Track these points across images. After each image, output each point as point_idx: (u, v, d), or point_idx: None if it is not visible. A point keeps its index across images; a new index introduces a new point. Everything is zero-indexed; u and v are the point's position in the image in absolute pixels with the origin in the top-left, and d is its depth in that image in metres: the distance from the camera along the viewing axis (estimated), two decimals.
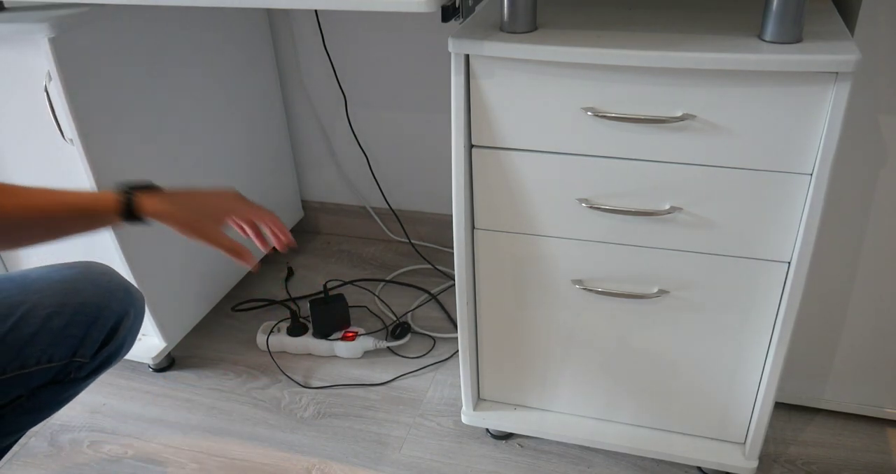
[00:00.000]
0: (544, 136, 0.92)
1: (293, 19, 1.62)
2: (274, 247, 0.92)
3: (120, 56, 1.19)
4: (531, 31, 0.89)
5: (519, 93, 0.90)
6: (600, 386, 1.13)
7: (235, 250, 0.86)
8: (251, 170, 1.60)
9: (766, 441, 1.13)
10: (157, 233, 1.34)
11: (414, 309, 1.58)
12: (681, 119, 0.85)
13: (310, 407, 1.34)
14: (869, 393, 1.19)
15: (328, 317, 1.45)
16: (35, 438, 1.30)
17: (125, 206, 0.83)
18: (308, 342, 1.46)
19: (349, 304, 1.48)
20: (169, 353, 1.43)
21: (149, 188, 0.86)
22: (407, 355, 1.45)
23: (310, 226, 1.88)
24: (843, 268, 1.08)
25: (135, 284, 1.30)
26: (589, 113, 0.88)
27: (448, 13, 0.87)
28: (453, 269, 1.07)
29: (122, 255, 1.26)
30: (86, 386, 0.97)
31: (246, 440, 1.28)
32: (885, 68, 0.92)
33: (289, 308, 1.57)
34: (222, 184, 1.51)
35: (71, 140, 1.14)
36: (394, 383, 1.39)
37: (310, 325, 1.48)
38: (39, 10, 1.10)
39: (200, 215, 0.86)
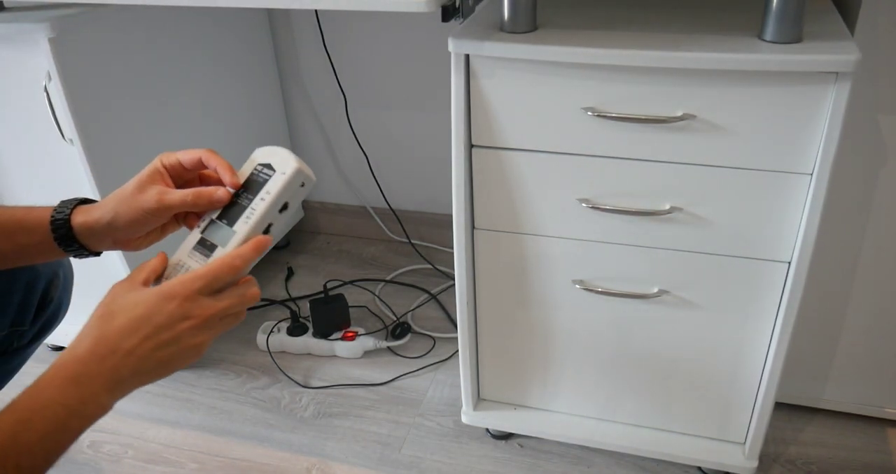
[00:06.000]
0: (544, 136, 0.92)
1: (293, 19, 1.62)
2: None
3: (120, 56, 1.20)
4: (531, 31, 0.89)
5: (519, 93, 0.90)
6: (600, 386, 1.13)
7: (201, 194, 0.68)
8: None
9: (766, 441, 1.13)
10: None
11: (414, 309, 1.58)
12: (681, 119, 0.85)
13: (310, 407, 1.34)
14: (869, 392, 1.19)
15: (328, 317, 1.45)
16: None
17: (57, 219, 0.71)
18: (308, 342, 1.46)
19: (349, 304, 1.48)
20: None
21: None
22: (407, 355, 1.45)
23: (310, 226, 1.88)
24: (843, 267, 1.08)
25: None
26: (589, 113, 0.88)
27: (448, 13, 0.87)
28: (453, 269, 1.07)
29: (120, 253, 1.26)
30: (31, 353, 0.97)
31: (246, 440, 1.28)
32: (885, 68, 0.92)
33: (289, 308, 1.57)
34: None
35: (71, 140, 1.14)
36: (394, 383, 1.39)
37: (310, 325, 1.48)
38: (39, 10, 1.10)
39: (138, 188, 0.70)
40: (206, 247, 0.68)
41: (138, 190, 0.69)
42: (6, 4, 1.12)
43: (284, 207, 0.69)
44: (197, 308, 0.62)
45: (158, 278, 0.68)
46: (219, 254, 0.67)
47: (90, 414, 0.60)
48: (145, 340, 0.60)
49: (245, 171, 0.70)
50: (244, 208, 0.68)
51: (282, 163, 0.69)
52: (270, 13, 1.62)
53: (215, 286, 0.63)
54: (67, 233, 0.71)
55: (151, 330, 0.60)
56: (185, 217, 0.73)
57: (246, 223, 0.67)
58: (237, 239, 0.67)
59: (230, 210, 0.69)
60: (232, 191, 0.69)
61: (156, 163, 0.71)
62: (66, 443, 0.59)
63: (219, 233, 0.68)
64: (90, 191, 1.19)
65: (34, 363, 1.45)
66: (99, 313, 0.62)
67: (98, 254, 0.75)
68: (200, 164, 0.71)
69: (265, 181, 0.68)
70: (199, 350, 0.63)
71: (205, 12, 1.39)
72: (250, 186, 0.69)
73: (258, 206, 0.67)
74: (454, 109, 0.92)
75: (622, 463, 1.19)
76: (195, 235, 0.69)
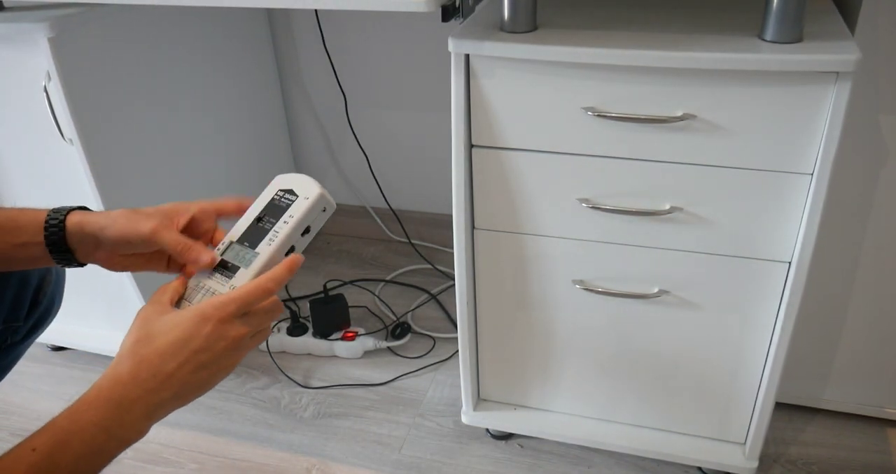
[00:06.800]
0: (544, 136, 0.92)
1: (293, 19, 1.62)
2: None
3: (119, 56, 1.19)
4: (531, 31, 0.89)
5: (519, 92, 0.90)
6: (600, 386, 1.13)
7: (190, 249, 0.69)
8: (251, 170, 1.60)
9: (767, 441, 1.13)
10: None
11: (414, 309, 1.58)
12: (681, 119, 0.85)
13: (310, 407, 1.34)
14: (869, 393, 1.19)
15: (328, 317, 1.45)
16: None
17: (53, 217, 0.71)
18: (308, 342, 1.45)
19: (349, 304, 1.48)
20: None
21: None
22: (407, 355, 1.45)
23: None
24: (843, 268, 1.08)
25: (135, 285, 1.31)
26: (589, 112, 0.88)
27: (448, 13, 0.87)
28: (453, 269, 1.07)
29: None
30: (24, 349, 0.96)
31: (246, 440, 1.28)
32: (885, 68, 0.92)
33: (289, 308, 1.57)
34: (222, 183, 1.50)
35: (70, 140, 1.14)
36: (394, 383, 1.39)
37: (310, 325, 1.48)
38: (39, 9, 1.10)
39: (149, 213, 0.71)
40: (227, 268, 0.69)
41: (147, 215, 0.70)
42: (6, 4, 1.12)
43: (306, 231, 0.70)
44: (231, 329, 0.63)
45: (179, 299, 0.69)
46: (242, 274, 0.68)
47: (127, 437, 0.61)
48: (185, 363, 0.62)
49: (266, 196, 0.72)
50: (266, 231, 0.69)
51: (304, 188, 0.70)
52: (270, 13, 1.62)
53: (248, 309, 0.64)
54: (59, 233, 0.71)
55: (190, 352, 0.62)
56: (171, 262, 0.73)
57: (269, 245, 0.69)
58: (260, 260, 0.68)
59: (251, 233, 0.70)
60: (218, 258, 0.70)
61: (188, 206, 0.72)
62: (101, 465, 0.60)
63: (240, 254, 0.69)
64: (90, 191, 1.19)
65: (31, 363, 1.46)
66: (134, 337, 0.63)
67: (83, 264, 0.74)
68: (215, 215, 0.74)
69: (288, 205, 0.70)
70: (231, 369, 0.65)
71: (205, 12, 1.39)
72: (272, 210, 0.70)
73: (281, 229, 0.69)
74: (454, 109, 0.92)
75: (622, 463, 1.19)
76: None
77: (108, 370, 0.61)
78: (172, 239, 0.69)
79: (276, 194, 0.71)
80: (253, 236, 0.70)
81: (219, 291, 0.68)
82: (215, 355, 0.63)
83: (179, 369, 0.61)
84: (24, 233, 0.71)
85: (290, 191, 0.71)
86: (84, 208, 0.74)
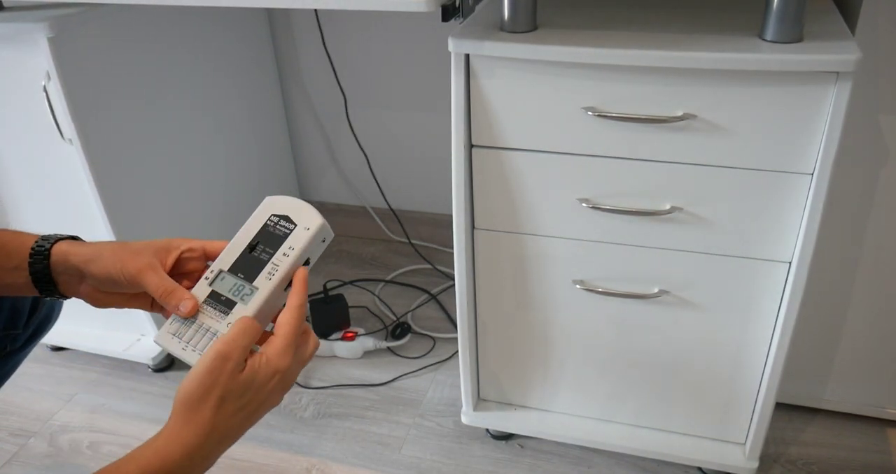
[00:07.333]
0: (544, 136, 0.92)
1: (293, 19, 1.62)
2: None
3: (119, 56, 1.19)
4: (531, 31, 0.89)
5: (519, 92, 0.89)
6: (600, 387, 1.13)
7: (172, 295, 0.66)
8: (251, 171, 1.60)
9: (767, 441, 1.13)
10: (155, 230, 1.34)
11: (414, 309, 1.58)
12: (681, 119, 0.85)
13: (310, 408, 1.34)
14: (869, 393, 1.19)
15: (328, 317, 1.45)
16: (34, 438, 1.30)
17: (40, 244, 0.69)
18: None
19: (349, 304, 1.48)
20: (168, 354, 1.43)
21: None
22: (407, 355, 1.45)
23: None
24: (843, 268, 1.08)
25: None
26: (589, 112, 0.88)
27: (448, 13, 0.87)
28: (453, 269, 1.07)
29: None
30: (25, 356, 0.95)
31: (245, 440, 1.26)
32: (886, 68, 0.92)
33: None
34: (222, 183, 1.50)
35: (70, 140, 1.14)
36: (394, 383, 1.39)
37: (310, 325, 1.47)
38: (39, 9, 1.10)
39: (137, 250, 0.67)
40: (220, 302, 0.64)
41: (135, 253, 0.67)
42: (6, 4, 1.12)
43: (306, 263, 0.66)
44: (289, 375, 0.64)
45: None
46: (240, 310, 0.63)
47: None
48: (246, 419, 0.62)
49: (257, 221, 0.67)
50: (264, 263, 0.64)
51: (302, 216, 0.66)
52: (270, 13, 1.62)
53: (296, 345, 0.64)
54: (43, 262, 0.69)
55: (255, 407, 0.62)
56: (155, 303, 0.70)
57: (269, 279, 0.64)
58: (260, 296, 0.64)
59: (245, 263, 0.65)
60: (200, 302, 0.66)
61: (179, 243, 0.69)
62: None
63: (235, 288, 0.65)
64: (89, 191, 1.19)
65: (31, 363, 1.46)
66: (212, 402, 0.60)
67: (67, 297, 0.72)
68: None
69: (285, 235, 0.65)
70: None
71: (205, 12, 1.39)
72: (267, 239, 0.65)
73: (282, 262, 0.64)
74: (454, 109, 0.92)
75: (622, 463, 1.19)
76: (203, 288, 0.66)
77: (174, 434, 0.59)
78: (154, 282, 0.65)
79: (269, 220, 0.66)
80: (248, 267, 0.65)
81: (215, 328, 0.64)
82: (274, 402, 0.64)
83: (242, 426, 0.62)
84: (14, 257, 0.69)
85: (286, 218, 0.66)
86: (76, 238, 0.72)
